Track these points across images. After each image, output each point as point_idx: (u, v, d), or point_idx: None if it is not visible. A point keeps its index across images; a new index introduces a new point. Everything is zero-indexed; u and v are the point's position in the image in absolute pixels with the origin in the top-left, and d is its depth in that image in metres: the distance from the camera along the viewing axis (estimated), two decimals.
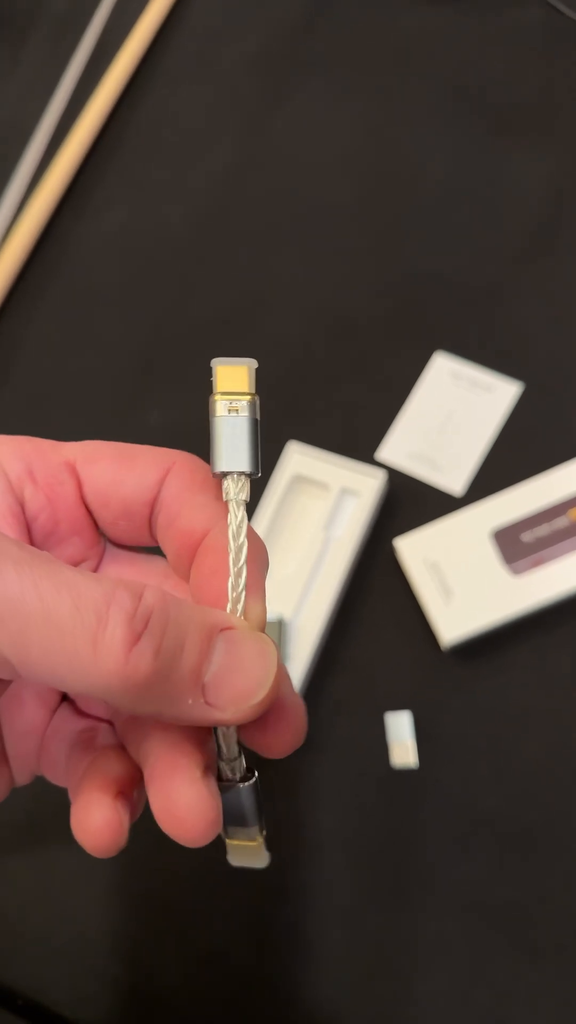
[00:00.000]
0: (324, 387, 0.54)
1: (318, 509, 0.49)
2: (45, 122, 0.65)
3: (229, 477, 0.18)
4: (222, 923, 0.44)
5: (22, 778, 0.21)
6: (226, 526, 0.18)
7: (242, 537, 0.17)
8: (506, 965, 0.42)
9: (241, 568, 0.17)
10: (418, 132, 0.61)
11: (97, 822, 0.17)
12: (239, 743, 0.17)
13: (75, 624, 0.14)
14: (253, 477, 0.18)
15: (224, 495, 0.18)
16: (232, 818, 0.18)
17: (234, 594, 0.17)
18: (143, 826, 0.50)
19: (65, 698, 0.21)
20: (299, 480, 0.49)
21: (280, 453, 0.50)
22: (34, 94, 0.67)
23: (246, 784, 0.18)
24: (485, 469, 0.50)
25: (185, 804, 0.16)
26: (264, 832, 0.19)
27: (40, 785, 0.50)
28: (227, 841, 0.18)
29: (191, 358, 0.57)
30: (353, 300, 0.57)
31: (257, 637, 0.16)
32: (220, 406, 0.17)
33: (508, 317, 0.54)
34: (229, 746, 0.17)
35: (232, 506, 0.18)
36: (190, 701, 0.15)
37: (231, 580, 0.17)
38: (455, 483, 0.50)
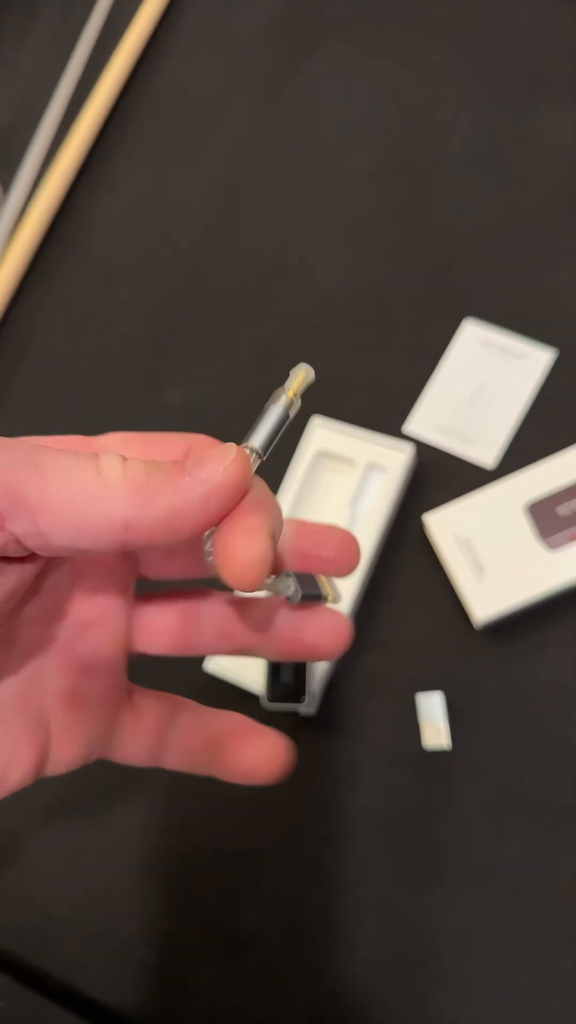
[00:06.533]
0: (349, 359, 0.53)
1: (344, 485, 0.48)
2: (58, 96, 0.63)
3: (253, 451, 0.20)
4: (253, 907, 0.44)
5: (65, 761, 0.22)
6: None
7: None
8: (542, 949, 0.41)
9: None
10: (442, 92, 0.59)
11: (276, 748, 0.22)
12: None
13: (80, 463, 0.17)
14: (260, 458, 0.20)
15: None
16: None
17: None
18: (172, 812, 0.49)
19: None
20: (324, 455, 0.48)
21: (304, 428, 0.49)
22: (46, 67, 0.65)
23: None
24: (518, 440, 0.49)
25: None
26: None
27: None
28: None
29: (210, 333, 0.56)
30: (378, 268, 0.55)
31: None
32: (287, 401, 0.20)
33: (540, 281, 0.52)
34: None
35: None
36: (187, 480, 0.18)
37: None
38: (487, 455, 0.49)
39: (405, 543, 0.47)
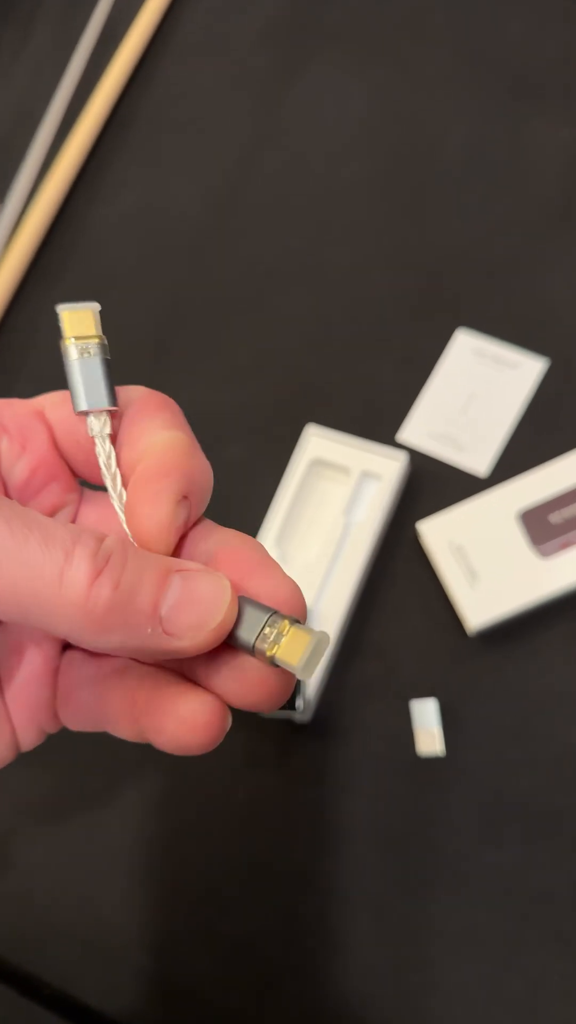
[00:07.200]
0: (342, 367, 0.53)
1: (338, 493, 0.48)
2: (55, 104, 0.64)
3: (92, 415, 0.19)
4: (249, 913, 0.44)
5: (28, 739, 0.21)
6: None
7: (113, 467, 0.19)
8: (537, 954, 0.41)
9: (121, 493, 0.19)
10: (436, 101, 0.59)
11: (198, 712, 0.18)
12: None
13: (44, 559, 0.16)
14: (113, 412, 0.20)
15: (89, 431, 0.19)
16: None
17: (121, 510, 0.19)
18: (167, 818, 0.49)
19: (68, 646, 0.21)
20: (318, 464, 0.48)
21: (298, 436, 0.49)
22: (44, 75, 0.65)
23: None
24: (510, 449, 0.49)
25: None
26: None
27: (65, 776, 0.50)
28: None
29: (206, 340, 0.56)
30: (371, 276, 0.55)
31: (212, 574, 0.17)
32: (73, 350, 0.19)
33: (532, 290, 0.53)
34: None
35: (98, 440, 0.19)
36: (149, 631, 0.16)
37: (113, 501, 0.19)
38: (479, 464, 0.49)
39: (399, 551, 0.48)
